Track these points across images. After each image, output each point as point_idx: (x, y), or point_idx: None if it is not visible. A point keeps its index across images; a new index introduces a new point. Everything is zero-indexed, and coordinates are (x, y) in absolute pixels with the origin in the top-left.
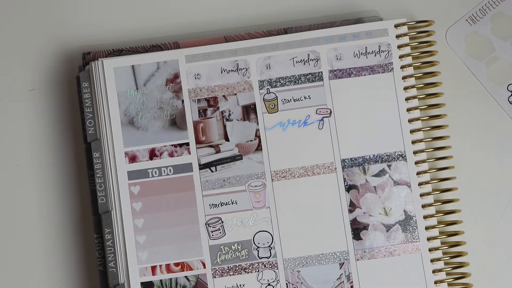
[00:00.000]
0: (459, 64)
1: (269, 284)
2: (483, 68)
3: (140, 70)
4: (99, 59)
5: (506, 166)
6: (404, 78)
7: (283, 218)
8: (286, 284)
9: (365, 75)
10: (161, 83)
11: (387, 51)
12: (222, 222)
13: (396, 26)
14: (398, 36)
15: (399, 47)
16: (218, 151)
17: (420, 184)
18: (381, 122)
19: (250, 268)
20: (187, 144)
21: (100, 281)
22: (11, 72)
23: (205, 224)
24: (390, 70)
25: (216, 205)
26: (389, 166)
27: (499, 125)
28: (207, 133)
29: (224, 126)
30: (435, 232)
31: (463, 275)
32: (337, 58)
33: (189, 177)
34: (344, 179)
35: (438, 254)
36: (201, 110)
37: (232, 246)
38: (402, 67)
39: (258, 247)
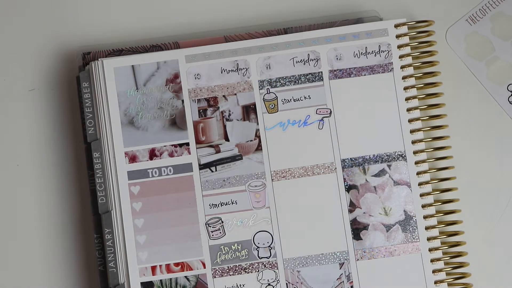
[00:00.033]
0: (459, 64)
1: (269, 284)
2: (483, 68)
3: (140, 70)
4: (99, 59)
5: (506, 166)
6: (404, 78)
7: (283, 218)
8: (286, 284)
9: (365, 75)
10: (161, 83)
11: (387, 51)
12: (222, 222)
13: (396, 26)
14: (398, 36)
15: (399, 47)
16: (218, 151)
17: (420, 184)
18: (381, 122)
19: (250, 268)
20: (187, 144)
21: (100, 281)
22: (11, 72)
23: (205, 224)
24: (390, 70)
25: (216, 205)
26: (389, 166)
27: (499, 125)
28: (207, 133)
29: (224, 126)
30: (435, 232)
31: (463, 275)
32: (337, 58)
33: (189, 177)
34: (344, 179)
35: (438, 254)
36: (201, 110)
37: (232, 246)
38: (402, 67)
39: (258, 247)
